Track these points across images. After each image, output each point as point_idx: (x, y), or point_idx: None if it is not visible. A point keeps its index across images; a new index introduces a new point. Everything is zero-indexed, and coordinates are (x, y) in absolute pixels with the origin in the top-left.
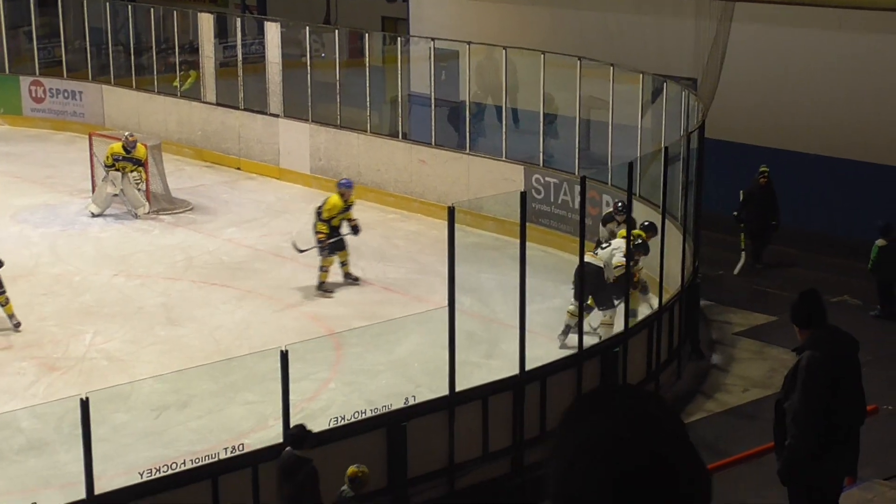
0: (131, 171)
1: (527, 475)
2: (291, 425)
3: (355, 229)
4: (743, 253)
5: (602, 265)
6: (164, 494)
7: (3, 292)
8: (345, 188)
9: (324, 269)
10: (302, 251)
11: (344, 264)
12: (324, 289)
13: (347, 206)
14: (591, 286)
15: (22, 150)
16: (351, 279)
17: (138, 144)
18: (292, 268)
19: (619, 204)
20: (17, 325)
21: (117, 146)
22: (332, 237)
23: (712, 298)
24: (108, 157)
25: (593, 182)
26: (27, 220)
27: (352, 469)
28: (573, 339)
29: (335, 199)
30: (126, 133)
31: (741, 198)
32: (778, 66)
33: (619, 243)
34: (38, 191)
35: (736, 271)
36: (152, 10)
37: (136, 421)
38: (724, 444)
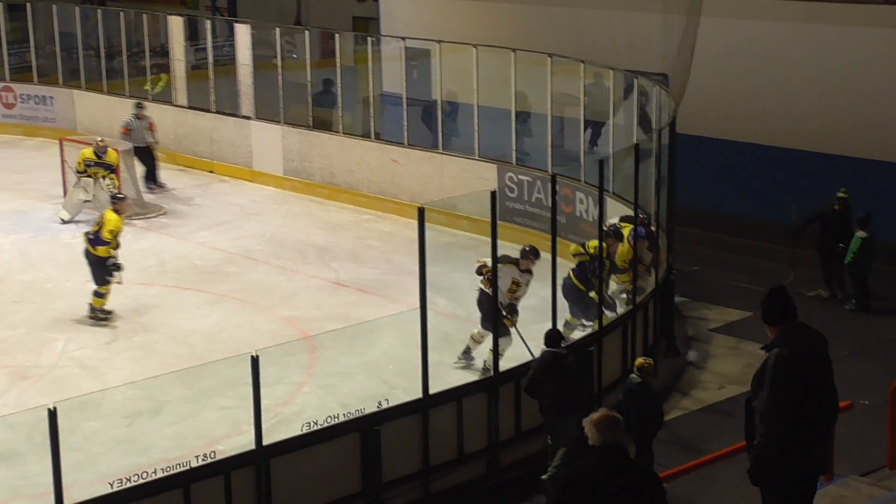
0: (103, 177)
1: (503, 476)
2: (264, 430)
3: None
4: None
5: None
6: None
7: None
8: None
9: None
10: None
11: None
12: None
13: None
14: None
15: None
16: None
17: (109, 149)
18: (265, 271)
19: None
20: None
21: (89, 151)
22: None
23: (688, 294)
24: (80, 163)
25: (567, 179)
26: None
27: (639, 360)
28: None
29: None
30: (97, 138)
31: (811, 216)
32: (747, 60)
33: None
34: (8, 197)
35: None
36: (122, 13)
37: (109, 429)
38: (701, 441)
